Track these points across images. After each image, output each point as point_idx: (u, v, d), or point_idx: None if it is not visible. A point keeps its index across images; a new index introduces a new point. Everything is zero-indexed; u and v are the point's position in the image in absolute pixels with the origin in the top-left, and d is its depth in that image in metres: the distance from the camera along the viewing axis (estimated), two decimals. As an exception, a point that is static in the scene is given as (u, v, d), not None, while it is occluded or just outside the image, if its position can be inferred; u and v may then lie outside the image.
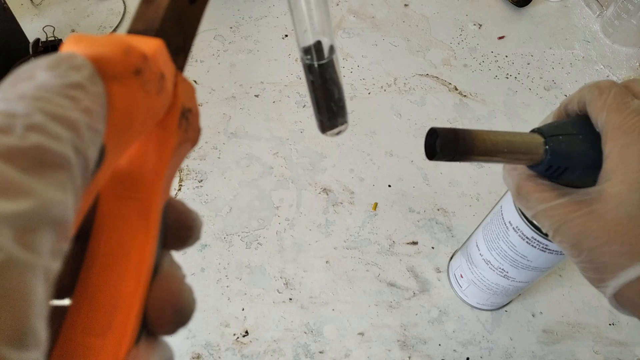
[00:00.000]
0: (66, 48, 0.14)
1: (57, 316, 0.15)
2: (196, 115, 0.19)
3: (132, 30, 0.17)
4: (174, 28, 0.18)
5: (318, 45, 0.26)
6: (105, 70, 0.14)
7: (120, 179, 0.17)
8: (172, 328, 0.17)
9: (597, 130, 0.30)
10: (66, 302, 0.16)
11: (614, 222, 0.27)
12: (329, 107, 0.28)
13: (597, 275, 0.29)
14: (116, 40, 0.14)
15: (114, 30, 0.72)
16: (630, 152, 0.27)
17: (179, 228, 0.19)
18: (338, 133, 0.29)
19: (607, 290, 0.29)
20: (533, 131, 0.32)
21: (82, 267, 0.16)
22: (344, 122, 0.29)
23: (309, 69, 0.27)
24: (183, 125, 0.17)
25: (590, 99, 0.30)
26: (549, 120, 0.34)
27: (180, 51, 0.18)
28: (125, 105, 0.14)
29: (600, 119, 0.29)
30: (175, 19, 0.18)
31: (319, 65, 0.27)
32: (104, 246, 0.16)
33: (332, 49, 0.27)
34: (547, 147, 0.30)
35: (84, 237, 0.17)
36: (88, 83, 0.13)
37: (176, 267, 0.18)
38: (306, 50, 0.26)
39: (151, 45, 0.15)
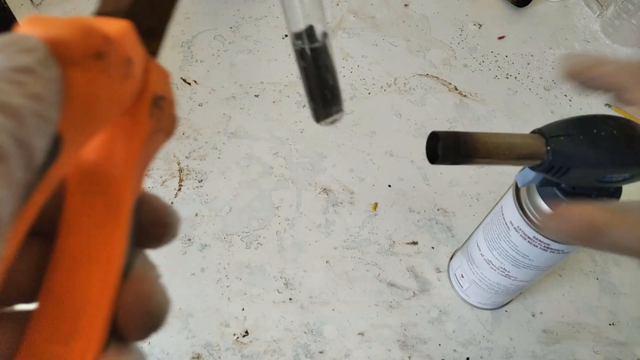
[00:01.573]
0: (22, 29, 0.13)
1: (21, 322, 0.15)
2: (171, 103, 0.17)
3: (99, 12, 0.16)
4: (146, 10, 0.17)
5: (310, 29, 0.25)
6: (62, 53, 0.13)
7: (87, 173, 0.16)
8: (143, 333, 0.16)
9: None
10: (31, 306, 0.15)
11: None
12: (323, 95, 0.27)
13: None
14: (76, 21, 0.13)
15: (114, 29, 0.72)
16: None
17: (154, 225, 0.17)
18: (333, 122, 0.28)
19: None
20: (534, 132, 0.32)
21: (47, 269, 0.15)
22: (339, 110, 0.28)
23: (300, 54, 0.26)
24: (155, 114, 0.16)
25: (628, 87, 0.27)
26: (569, 69, 0.31)
27: (153, 35, 0.17)
28: (86, 91, 0.13)
29: None
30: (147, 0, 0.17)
31: (311, 49, 0.26)
32: (70, 246, 0.15)
33: (325, 34, 0.26)
34: (548, 147, 0.30)
35: (49, 236, 0.15)
36: (39, 67, 0.12)
37: (149, 267, 0.17)
38: (297, 35, 0.25)
39: (117, 27, 0.14)
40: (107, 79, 0.14)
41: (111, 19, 0.15)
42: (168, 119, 0.17)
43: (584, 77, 0.29)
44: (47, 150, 0.12)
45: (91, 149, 0.16)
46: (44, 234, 0.16)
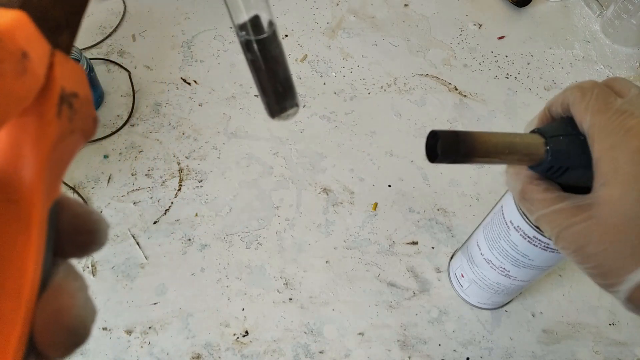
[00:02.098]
0: None
1: None
2: (86, 101, 0.16)
3: None
4: (49, 0, 0.15)
5: (255, 19, 0.24)
6: None
7: None
8: (63, 350, 0.14)
9: (583, 132, 0.30)
10: None
11: (614, 226, 0.27)
12: (275, 89, 0.26)
13: (605, 280, 0.28)
14: None
15: (114, 30, 0.72)
16: (618, 153, 0.27)
17: (76, 232, 0.16)
18: (288, 117, 0.27)
19: (619, 295, 0.28)
20: (534, 132, 0.32)
21: None
22: (294, 104, 0.26)
23: (246, 46, 0.24)
24: (65, 112, 0.15)
25: (573, 101, 0.30)
26: (534, 124, 0.34)
27: (61, 27, 0.16)
28: None
29: (585, 121, 0.29)
30: None
31: (257, 40, 0.24)
32: None
33: (271, 24, 0.24)
34: (548, 147, 0.30)
35: None
36: None
37: (72, 277, 0.16)
38: (242, 27, 0.24)
39: (5, 19, 0.13)
40: None
41: (1, 10, 0.13)
42: (84, 118, 0.16)
43: (548, 112, 0.33)
44: None
45: None
46: None
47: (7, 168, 0.14)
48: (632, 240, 0.26)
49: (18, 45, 0.13)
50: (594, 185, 0.28)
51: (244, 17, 0.24)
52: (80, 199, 0.58)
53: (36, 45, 0.14)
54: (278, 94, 0.26)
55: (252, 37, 0.24)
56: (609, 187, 0.27)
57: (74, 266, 0.16)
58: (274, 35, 0.25)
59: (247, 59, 0.25)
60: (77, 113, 0.16)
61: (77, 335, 0.15)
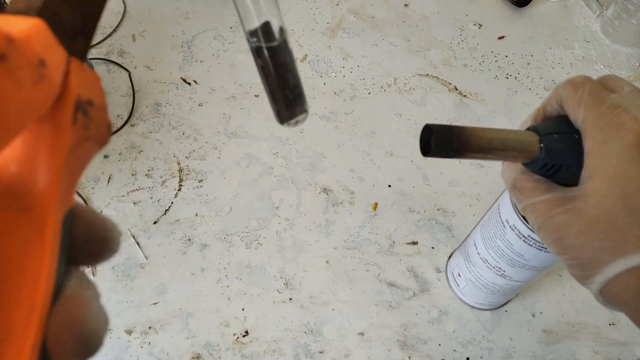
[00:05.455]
0: None
1: None
2: (101, 108, 0.16)
3: (10, 10, 0.14)
4: (67, 6, 0.15)
5: (266, 26, 0.24)
6: None
7: (7, 187, 0.14)
8: (76, 359, 0.14)
9: (577, 127, 0.30)
10: None
11: (595, 218, 0.27)
12: (285, 95, 0.26)
13: (582, 272, 0.28)
14: None
15: (114, 30, 0.72)
16: (608, 148, 0.27)
17: (89, 240, 0.16)
18: (297, 123, 0.27)
19: (593, 287, 0.28)
20: (529, 129, 0.32)
21: None
22: (303, 111, 0.27)
23: (257, 52, 0.24)
24: (80, 120, 0.15)
25: (566, 96, 0.30)
26: (528, 122, 0.34)
27: (78, 34, 0.16)
28: None
29: (578, 116, 0.29)
30: None
31: (268, 48, 0.24)
32: None
33: (282, 30, 0.24)
34: (542, 144, 0.30)
35: None
36: None
37: (85, 286, 0.16)
38: (252, 33, 0.24)
39: (23, 26, 0.13)
40: (13, 83, 0.12)
41: (18, 17, 0.13)
42: (98, 126, 0.16)
43: (542, 111, 0.33)
44: None
45: (11, 160, 0.14)
46: None
47: (22, 176, 0.14)
48: (611, 233, 0.26)
49: (36, 53, 0.13)
50: (582, 178, 0.28)
51: (254, 23, 0.24)
52: (81, 200, 0.58)
53: (53, 52, 0.14)
54: (287, 100, 0.26)
55: (263, 44, 0.24)
56: (594, 180, 0.27)
57: (86, 274, 0.16)
58: (284, 42, 0.25)
59: (257, 65, 0.25)
60: (92, 120, 0.16)
61: (90, 344, 0.15)
